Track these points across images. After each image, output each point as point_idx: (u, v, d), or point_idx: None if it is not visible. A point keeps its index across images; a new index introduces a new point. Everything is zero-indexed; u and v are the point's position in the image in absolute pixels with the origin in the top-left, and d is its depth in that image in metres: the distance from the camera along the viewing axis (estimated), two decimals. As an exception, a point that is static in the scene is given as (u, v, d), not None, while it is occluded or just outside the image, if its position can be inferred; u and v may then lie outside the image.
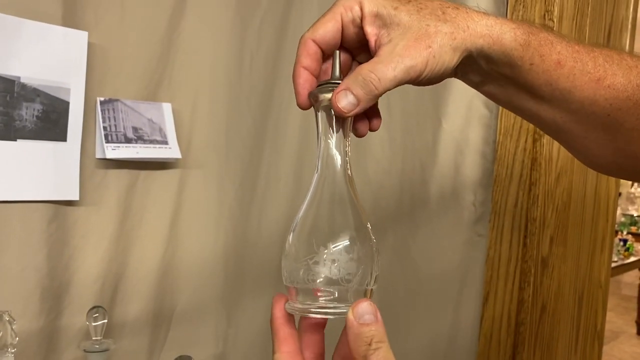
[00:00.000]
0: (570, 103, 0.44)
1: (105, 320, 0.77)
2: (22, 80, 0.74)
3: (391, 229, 0.83)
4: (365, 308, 0.38)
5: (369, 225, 0.44)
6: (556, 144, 0.78)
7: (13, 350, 0.66)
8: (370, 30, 0.43)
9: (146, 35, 0.84)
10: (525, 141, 0.84)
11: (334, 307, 0.42)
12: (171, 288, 0.94)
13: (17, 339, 0.66)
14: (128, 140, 0.83)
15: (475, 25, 0.43)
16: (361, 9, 0.43)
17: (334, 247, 0.42)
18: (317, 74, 0.46)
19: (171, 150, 0.87)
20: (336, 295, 0.42)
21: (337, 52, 0.45)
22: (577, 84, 0.43)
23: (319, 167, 0.45)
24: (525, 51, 0.43)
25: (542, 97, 0.45)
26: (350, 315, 0.39)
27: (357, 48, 0.47)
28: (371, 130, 0.49)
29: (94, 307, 0.77)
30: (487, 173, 0.88)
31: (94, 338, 0.76)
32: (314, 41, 0.44)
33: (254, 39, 0.95)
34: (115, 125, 0.82)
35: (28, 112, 0.75)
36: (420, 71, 0.42)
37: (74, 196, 0.79)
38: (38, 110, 0.75)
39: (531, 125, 0.87)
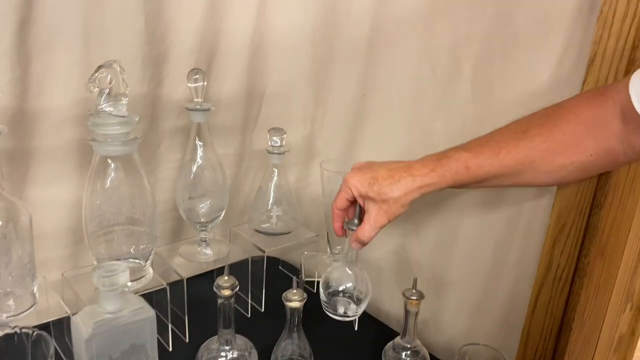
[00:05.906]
0: (492, 178, 0.68)
1: (205, 83, 0.79)
2: None
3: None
4: None
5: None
6: None
7: (126, 100, 0.69)
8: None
9: None
10: None
11: None
12: (261, 68, 0.96)
13: (128, 88, 0.69)
14: None
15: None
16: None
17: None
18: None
19: None
20: None
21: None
22: (485, 168, 0.67)
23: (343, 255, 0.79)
24: (442, 178, 0.68)
25: (480, 183, 0.69)
26: None
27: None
28: None
29: (194, 69, 0.79)
30: None
31: (195, 100, 0.80)
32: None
33: None
34: None
35: None
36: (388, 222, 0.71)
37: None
38: None
39: None
